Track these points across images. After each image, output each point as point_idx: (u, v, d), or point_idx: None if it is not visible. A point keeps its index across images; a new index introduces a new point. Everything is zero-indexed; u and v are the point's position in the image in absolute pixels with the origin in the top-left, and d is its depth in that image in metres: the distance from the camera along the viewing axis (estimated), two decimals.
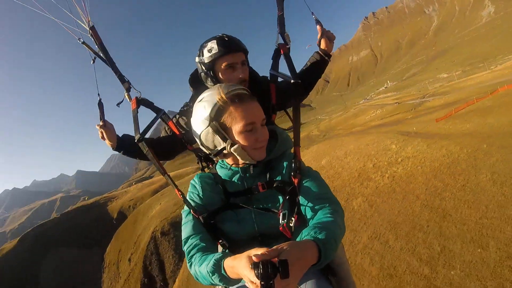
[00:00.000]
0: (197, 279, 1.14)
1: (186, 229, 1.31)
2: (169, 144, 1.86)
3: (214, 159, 1.49)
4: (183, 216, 1.37)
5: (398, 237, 9.51)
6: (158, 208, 58.91)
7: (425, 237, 8.79)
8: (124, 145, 1.82)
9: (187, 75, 1.92)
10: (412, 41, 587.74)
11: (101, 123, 1.77)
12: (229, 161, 1.37)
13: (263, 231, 1.33)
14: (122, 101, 1.75)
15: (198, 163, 1.79)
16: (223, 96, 1.21)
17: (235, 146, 1.24)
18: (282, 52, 1.62)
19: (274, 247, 0.84)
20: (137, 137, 1.47)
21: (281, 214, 1.24)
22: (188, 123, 1.79)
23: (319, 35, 1.91)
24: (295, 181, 1.32)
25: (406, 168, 14.99)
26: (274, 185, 1.34)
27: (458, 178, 11.44)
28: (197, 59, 1.74)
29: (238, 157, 1.28)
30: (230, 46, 1.64)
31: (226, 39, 1.65)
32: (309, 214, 1.25)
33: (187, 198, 1.41)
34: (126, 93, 1.70)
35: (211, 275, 1.02)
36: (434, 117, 31.30)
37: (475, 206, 9.16)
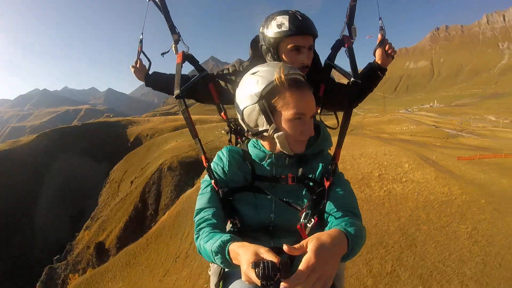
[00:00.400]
0: (200, 252, 1.17)
1: (201, 200, 1.30)
2: (202, 97, 1.83)
3: (247, 135, 1.38)
4: (202, 185, 1.36)
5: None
6: (173, 144, 61.18)
7: (384, 255, 9.53)
8: (150, 84, 1.93)
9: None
10: (475, 71, 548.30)
11: (133, 64, 1.89)
12: (264, 143, 1.32)
13: (277, 223, 1.32)
14: (168, 51, 1.73)
15: (227, 133, 1.72)
16: (282, 76, 1.13)
17: (280, 133, 1.18)
18: (346, 45, 1.58)
19: (302, 241, 0.85)
20: (176, 92, 1.43)
21: (304, 213, 1.25)
22: (232, 86, 1.71)
23: (377, 44, 1.68)
24: (326, 184, 1.29)
25: (405, 190, 15.39)
26: (304, 182, 1.32)
27: (443, 218, 11.87)
28: (262, 29, 1.58)
29: (277, 144, 1.22)
30: (302, 27, 1.47)
31: (300, 18, 1.48)
32: (331, 221, 1.23)
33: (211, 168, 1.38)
34: (173, 45, 1.67)
35: (214, 254, 1.02)
36: (458, 154, 30.66)
37: (440, 249, 9.71)
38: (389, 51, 1.66)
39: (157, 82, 1.92)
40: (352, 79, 1.43)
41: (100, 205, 55.57)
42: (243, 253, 0.85)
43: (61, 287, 32.87)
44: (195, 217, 1.26)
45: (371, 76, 1.74)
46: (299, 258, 1.15)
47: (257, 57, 1.68)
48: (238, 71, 1.71)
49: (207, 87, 1.71)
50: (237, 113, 1.31)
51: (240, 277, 1.00)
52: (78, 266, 35.63)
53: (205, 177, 1.38)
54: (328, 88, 1.71)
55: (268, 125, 1.19)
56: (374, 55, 1.71)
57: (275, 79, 1.13)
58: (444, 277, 8.39)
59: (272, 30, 1.51)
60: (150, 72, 1.94)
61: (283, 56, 1.54)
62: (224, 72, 1.80)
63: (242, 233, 1.30)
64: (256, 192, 1.31)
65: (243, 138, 1.57)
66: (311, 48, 1.57)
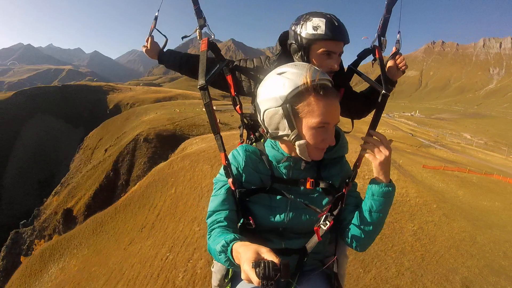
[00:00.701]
0: (210, 253, 1.16)
1: (214, 202, 1.28)
2: (217, 86, 1.77)
3: (264, 134, 1.36)
4: (216, 186, 1.33)
5: None
6: (152, 116, 60.25)
7: None
8: (164, 62, 1.89)
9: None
10: (461, 88, 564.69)
11: (145, 43, 1.84)
12: (282, 145, 1.29)
13: (291, 225, 1.31)
14: (190, 36, 1.67)
15: (239, 127, 1.71)
16: (309, 81, 1.08)
17: (302, 142, 1.15)
18: (377, 56, 1.58)
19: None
20: (201, 82, 1.30)
21: (324, 215, 1.27)
22: (255, 82, 1.68)
23: (390, 56, 1.67)
24: (345, 189, 1.32)
25: (365, 185, 16.34)
26: (323, 186, 1.32)
27: (393, 215, 12.79)
28: (294, 27, 1.52)
29: (297, 150, 1.19)
30: (337, 33, 1.45)
31: (336, 24, 1.45)
32: (344, 223, 1.34)
33: (222, 168, 1.33)
34: (198, 30, 1.56)
35: (218, 254, 1.03)
36: (425, 163, 32.30)
37: (385, 241, 10.65)
38: (400, 65, 1.64)
39: (171, 60, 1.87)
40: (383, 91, 1.40)
41: (72, 171, 54.29)
42: (244, 252, 0.86)
43: (26, 253, 32.34)
44: (207, 219, 1.26)
45: (372, 96, 1.75)
46: (299, 260, 1.36)
47: (285, 54, 1.63)
48: (263, 68, 1.68)
49: (225, 78, 1.65)
50: (257, 112, 1.26)
51: None
52: (44, 232, 35.01)
53: (218, 176, 1.35)
54: (346, 93, 1.72)
55: (289, 131, 1.14)
56: (376, 50, 1.67)
57: (303, 84, 1.08)
58: (383, 264, 9.23)
59: (307, 31, 1.46)
60: (164, 50, 1.88)
61: (313, 59, 1.51)
62: (248, 64, 1.76)
63: (254, 234, 1.30)
64: (272, 194, 1.29)
65: (256, 134, 1.57)
66: (341, 54, 1.56)
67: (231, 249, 0.97)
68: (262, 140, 1.45)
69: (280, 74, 1.15)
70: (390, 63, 1.66)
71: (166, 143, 42.17)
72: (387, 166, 1.25)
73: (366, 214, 1.27)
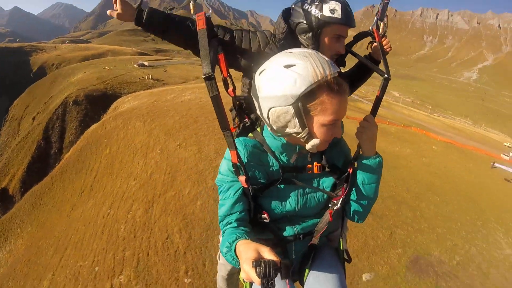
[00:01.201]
0: (222, 254, 1.13)
1: (224, 207, 1.23)
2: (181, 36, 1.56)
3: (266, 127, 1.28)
4: (221, 188, 1.26)
5: None
6: (80, 76, 55.79)
7: None
8: (146, 23, 1.50)
9: None
10: (394, 52, 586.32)
11: (113, 5, 1.48)
12: (286, 138, 1.23)
13: (301, 212, 1.32)
14: (173, 8, 1.48)
15: (230, 110, 1.58)
16: (322, 78, 1.00)
17: (316, 141, 1.11)
18: (377, 39, 1.62)
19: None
20: (206, 70, 1.13)
21: (341, 198, 1.31)
22: (253, 65, 1.53)
23: (376, 38, 1.69)
24: (350, 170, 1.33)
25: None
26: (329, 170, 1.32)
27: None
28: (307, 7, 1.47)
29: (306, 146, 1.15)
30: (350, 19, 1.45)
31: (349, 9, 1.45)
32: (349, 200, 1.39)
33: (225, 167, 1.25)
34: (192, 2, 1.39)
35: (225, 255, 1.04)
36: (349, 114, 34.20)
37: None
38: (386, 47, 1.72)
39: (155, 19, 1.50)
40: (385, 75, 1.44)
41: (0, 146, 49.89)
42: (244, 251, 0.85)
43: None
44: (220, 223, 1.23)
45: (367, 69, 1.88)
46: (299, 260, 1.42)
47: (290, 34, 1.55)
48: (263, 52, 1.57)
49: (217, 56, 1.39)
50: (258, 107, 1.15)
51: None
52: None
53: (220, 177, 1.27)
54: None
55: (300, 129, 1.08)
56: (370, 48, 1.82)
57: (316, 81, 1.00)
58: None
59: (323, 12, 1.42)
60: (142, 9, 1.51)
61: (325, 41, 1.49)
62: (252, 39, 1.60)
63: (268, 226, 1.30)
64: (282, 184, 1.27)
65: (252, 116, 1.50)
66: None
67: (235, 249, 0.97)
68: (258, 129, 1.36)
69: (288, 67, 1.03)
70: (375, 44, 1.75)
71: (97, 104, 39.93)
72: (374, 141, 1.31)
73: (362, 188, 1.32)
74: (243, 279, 1.22)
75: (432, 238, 10.13)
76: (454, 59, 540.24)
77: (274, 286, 0.74)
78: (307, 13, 1.46)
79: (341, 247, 1.54)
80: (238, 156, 1.17)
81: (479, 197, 16.62)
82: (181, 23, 1.52)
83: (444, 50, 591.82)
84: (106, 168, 18.84)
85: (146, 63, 71.61)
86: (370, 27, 1.72)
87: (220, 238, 1.38)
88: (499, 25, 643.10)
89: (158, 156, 14.81)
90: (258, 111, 1.18)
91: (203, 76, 1.12)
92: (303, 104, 1.03)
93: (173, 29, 1.53)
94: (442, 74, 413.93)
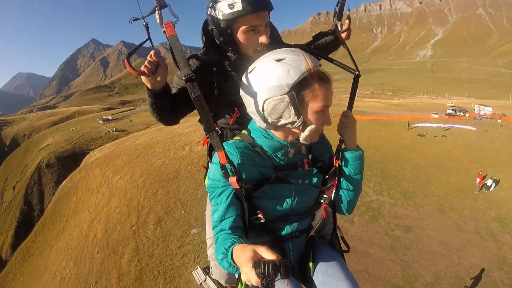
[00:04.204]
0: (217, 261, 1.12)
1: (217, 213, 1.20)
2: (180, 102, 1.51)
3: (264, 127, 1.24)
4: (213, 194, 1.23)
5: None
6: (50, 140, 59.41)
7: None
8: (164, 96, 1.41)
9: None
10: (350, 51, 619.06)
11: (155, 55, 1.27)
12: (277, 133, 1.24)
13: (296, 209, 1.34)
14: (143, 17, 1.22)
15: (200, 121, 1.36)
16: (312, 68, 1.08)
17: (313, 126, 1.16)
18: (340, 39, 1.81)
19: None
20: (186, 71, 1.13)
21: (333, 191, 1.36)
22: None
23: (344, 28, 1.87)
24: (336, 163, 1.37)
25: None
26: (318, 165, 1.36)
27: None
28: (209, 11, 1.35)
29: (301, 136, 1.19)
30: (257, 4, 1.27)
31: None
32: (337, 194, 1.42)
33: (215, 172, 1.21)
34: (158, 11, 1.19)
35: (220, 262, 1.04)
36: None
37: None
38: (349, 35, 1.95)
39: (168, 94, 1.45)
40: (356, 72, 1.45)
41: None
42: (242, 253, 0.85)
43: None
44: (213, 230, 1.21)
45: (332, 47, 2.00)
46: (298, 259, 1.49)
47: (211, 43, 1.49)
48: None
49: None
50: (251, 103, 1.17)
51: None
52: None
53: (211, 182, 1.23)
54: None
55: (296, 118, 1.12)
56: (339, 33, 1.87)
57: (307, 70, 1.07)
58: None
59: (223, 11, 1.28)
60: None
61: (239, 38, 1.36)
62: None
63: (264, 227, 1.28)
64: (275, 183, 1.24)
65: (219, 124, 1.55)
66: (267, 24, 1.40)
67: (231, 254, 0.97)
68: (244, 132, 1.36)
69: (279, 60, 1.10)
70: (344, 34, 1.91)
71: (68, 163, 43.52)
72: (355, 134, 1.40)
73: (348, 180, 1.38)
74: (244, 282, 1.28)
75: None
76: (406, 42, 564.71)
77: (274, 286, 0.73)
78: (212, 17, 1.35)
79: (338, 236, 1.57)
80: (227, 157, 1.14)
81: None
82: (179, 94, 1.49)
83: (395, 37, 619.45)
84: (73, 211, 23.22)
85: (110, 117, 75.64)
86: (332, 27, 1.83)
87: (209, 252, 1.61)
88: None
89: (105, 189, 19.60)
90: (250, 108, 1.19)
91: (184, 78, 1.12)
92: (297, 92, 1.08)
93: (179, 99, 1.48)
94: (399, 60, 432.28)
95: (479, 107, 51.40)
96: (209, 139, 1.39)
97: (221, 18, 1.30)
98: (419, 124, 35.22)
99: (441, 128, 33.45)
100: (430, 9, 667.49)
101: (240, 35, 1.36)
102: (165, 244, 10.38)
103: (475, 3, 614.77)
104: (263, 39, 1.37)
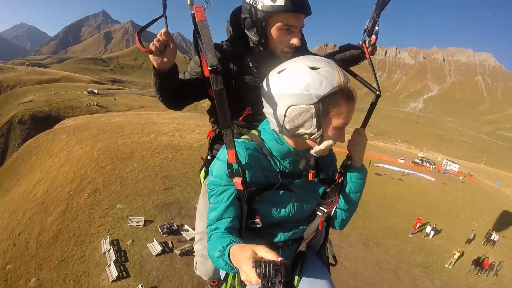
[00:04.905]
0: (210, 258, 1.12)
1: (216, 211, 1.19)
2: (191, 89, 1.50)
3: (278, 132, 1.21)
4: (214, 192, 1.20)
5: None
6: (30, 98, 58.41)
7: None
8: (173, 73, 1.35)
9: None
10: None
11: (165, 33, 1.20)
12: (289, 141, 1.21)
13: (293, 218, 1.33)
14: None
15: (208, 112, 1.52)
16: (343, 84, 1.06)
17: (330, 142, 1.15)
18: (367, 55, 1.77)
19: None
20: (212, 61, 1.04)
21: (335, 206, 1.38)
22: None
23: (371, 44, 1.84)
24: (340, 179, 1.37)
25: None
26: (322, 177, 1.36)
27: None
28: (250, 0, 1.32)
29: (314, 148, 1.18)
30: (298, 4, 1.28)
31: None
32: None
33: (219, 169, 1.18)
34: None
35: (216, 260, 1.04)
36: None
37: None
38: (373, 51, 1.90)
39: (176, 78, 1.41)
40: (377, 93, 1.46)
41: None
42: (242, 253, 0.85)
43: None
44: (207, 227, 1.21)
45: (352, 62, 2.05)
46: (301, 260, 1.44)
47: (238, 35, 1.46)
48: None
49: (199, 56, 1.31)
50: (269, 105, 1.15)
51: None
52: None
53: (213, 179, 1.20)
54: None
55: (316, 130, 1.10)
56: (364, 48, 1.85)
57: (338, 86, 1.05)
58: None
59: (263, 2, 1.27)
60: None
61: (271, 33, 1.35)
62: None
63: (259, 232, 1.27)
64: (277, 189, 1.22)
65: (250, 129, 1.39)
66: (301, 28, 1.39)
67: (228, 253, 0.97)
68: (254, 132, 1.32)
69: (313, 69, 1.07)
70: (371, 50, 1.88)
71: (40, 124, 42.83)
72: (363, 152, 1.39)
73: (348, 196, 1.39)
74: (230, 282, 1.33)
75: None
76: (401, 91, 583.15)
77: (274, 286, 0.73)
78: (250, 6, 1.31)
79: (327, 252, 1.59)
80: (237, 157, 1.10)
81: None
82: (188, 82, 1.49)
83: (392, 84, 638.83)
84: (28, 170, 23.56)
85: (95, 91, 74.77)
86: (360, 42, 1.80)
87: (196, 247, 1.63)
88: (443, 58, 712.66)
89: (63, 155, 20.04)
90: (269, 110, 1.16)
91: (209, 68, 1.03)
92: (324, 105, 1.06)
93: (184, 87, 1.47)
94: (390, 106, 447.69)
95: (447, 162, 54.38)
96: (221, 135, 1.21)
97: (260, 8, 1.29)
98: (382, 165, 37.24)
99: (401, 172, 35.13)
100: (431, 66, 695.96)
101: (274, 31, 1.34)
102: (90, 212, 11.13)
103: (476, 70, 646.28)
104: (294, 41, 1.36)
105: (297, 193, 1.29)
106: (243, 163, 1.14)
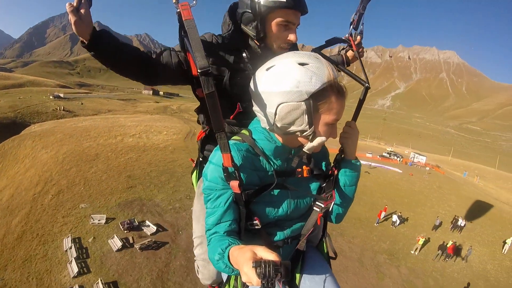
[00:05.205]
0: (212, 262, 1.11)
1: (214, 216, 1.17)
2: (171, 72, 1.46)
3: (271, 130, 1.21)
4: (210, 197, 1.18)
5: None
6: None
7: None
8: (99, 46, 1.26)
9: None
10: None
11: (72, 6, 1.13)
12: (281, 139, 1.21)
13: (290, 216, 1.32)
14: None
15: (196, 111, 1.54)
16: (333, 79, 1.06)
17: (322, 138, 1.13)
18: (354, 48, 1.75)
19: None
20: (202, 63, 1.01)
21: (331, 203, 1.36)
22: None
23: (355, 44, 1.79)
24: (335, 173, 1.38)
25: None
26: (316, 173, 1.35)
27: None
28: None
29: (307, 145, 1.17)
30: (298, 2, 1.32)
31: None
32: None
33: (214, 173, 1.14)
34: None
35: (216, 263, 1.04)
36: None
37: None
38: (361, 53, 1.88)
39: (111, 42, 1.30)
40: (366, 85, 1.46)
41: None
42: (241, 254, 0.84)
43: None
44: (207, 232, 1.20)
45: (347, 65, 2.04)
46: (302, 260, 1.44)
47: (236, 29, 1.47)
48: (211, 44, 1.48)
49: (186, 55, 1.37)
50: (258, 103, 1.15)
51: None
52: None
53: (209, 184, 1.17)
54: None
55: (307, 127, 1.08)
56: (344, 52, 1.94)
57: (328, 81, 1.05)
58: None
59: None
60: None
61: (270, 29, 1.36)
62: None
63: (258, 232, 1.26)
64: (273, 189, 1.20)
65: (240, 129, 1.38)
66: (297, 26, 1.42)
67: (228, 255, 0.96)
68: (245, 132, 1.29)
69: (302, 65, 1.06)
70: (350, 52, 1.98)
71: (5, 131, 41.33)
72: (356, 145, 1.38)
73: (343, 190, 1.38)
74: (233, 284, 1.33)
75: None
76: (369, 90, 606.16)
77: (274, 287, 0.73)
78: (251, 1, 1.32)
79: (325, 247, 1.57)
80: (232, 160, 1.08)
81: None
82: (131, 48, 1.38)
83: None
84: None
85: (62, 95, 73.07)
86: (346, 35, 1.76)
87: (196, 251, 1.61)
88: (409, 56, 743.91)
89: (28, 160, 19.82)
90: (259, 108, 1.15)
91: (199, 71, 1.00)
92: (314, 101, 1.04)
93: (125, 55, 1.35)
94: (356, 102, 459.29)
95: (414, 154, 56.32)
96: (212, 135, 1.24)
97: (262, 3, 1.30)
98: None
99: (368, 165, 35.80)
100: (397, 64, 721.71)
101: (273, 26, 1.35)
102: (54, 213, 11.38)
103: (440, 67, 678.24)
104: (292, 37, 1.38)
105: (293, 191, 1.29)
106: (237, 164, 1.12)
